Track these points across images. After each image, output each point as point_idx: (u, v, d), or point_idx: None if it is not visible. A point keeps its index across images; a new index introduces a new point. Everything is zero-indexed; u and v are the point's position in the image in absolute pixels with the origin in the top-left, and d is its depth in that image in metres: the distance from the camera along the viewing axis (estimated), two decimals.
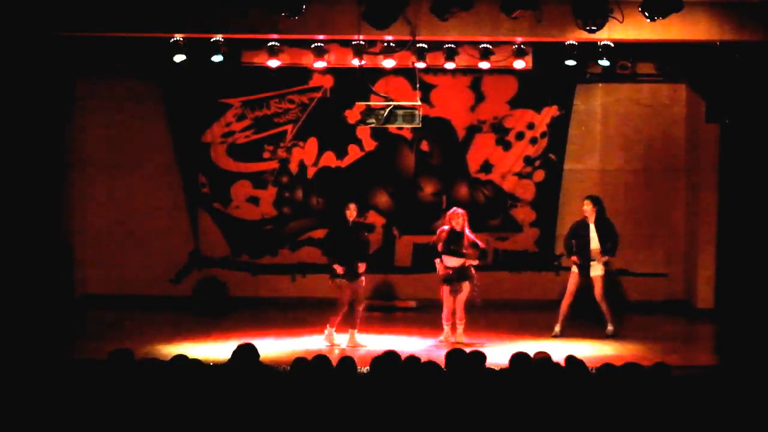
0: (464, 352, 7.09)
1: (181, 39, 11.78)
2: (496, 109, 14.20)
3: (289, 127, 14.20)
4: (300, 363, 6.74)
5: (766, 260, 12.69)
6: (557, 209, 14.19)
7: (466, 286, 11.30)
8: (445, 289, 11.32)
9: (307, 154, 14.23)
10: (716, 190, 13.68)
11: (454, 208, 11.57)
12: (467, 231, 11.31)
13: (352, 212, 11.22)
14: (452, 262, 11.30)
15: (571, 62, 11.95)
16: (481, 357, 7.06)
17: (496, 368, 7.36)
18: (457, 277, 11.28)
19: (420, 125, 11.91)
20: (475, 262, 11.37)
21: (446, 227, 11.38)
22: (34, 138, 12.42)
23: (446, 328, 11.34)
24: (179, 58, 11.93)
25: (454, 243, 11.27)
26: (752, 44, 11.70)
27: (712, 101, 13.60)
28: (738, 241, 13.21)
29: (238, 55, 12.75)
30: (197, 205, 14.26)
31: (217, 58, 11.96)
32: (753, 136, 12.95)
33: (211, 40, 11.84)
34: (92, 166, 14.14)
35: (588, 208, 11.75)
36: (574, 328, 11.81)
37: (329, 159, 14.23)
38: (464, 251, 11.26)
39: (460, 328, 11.34)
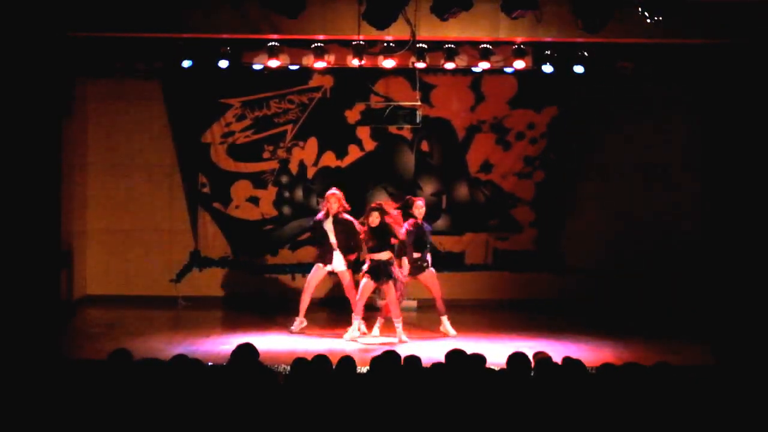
0: (464, 352, 7.09)
1: (182, 41, 11.83)
2: (496, 109, 14.20)
3: (289, 127, 14.20)
4: (300, 363, 6.74)
5: (765, 259, 12.71)
6: (563, 208, 14.19)
7: (389, 284, 11.10)
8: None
9: (307, 154, 14.23)
10: (715, 190, 13.69)
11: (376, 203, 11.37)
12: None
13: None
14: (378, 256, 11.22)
15: (578, 67, 12.13)
16: (481, 357, 7.07)
17: (495, 368, 7.36)
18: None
19: (420, 125, 11.93)
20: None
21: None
22: (33, 138, 12.40)
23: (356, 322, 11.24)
24: (187, 63, 12.43)
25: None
26: (749, 45, 11.75)
27: (711, 101, 13.64)
28: (737, 240, 13.21)
29: (238, 55, 12.77)
30: (197, 205, 14.26)
31: (224, 64, 12.40)
32: (753, 135, 12.96)
33: (220, 49, 12.07)
34: (92, 165, 14.14)
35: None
36: (574, 329, 11.83)
37: (329, 159, 14.23)
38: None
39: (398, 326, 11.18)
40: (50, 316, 12.26)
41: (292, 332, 11.55)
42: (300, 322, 11.65)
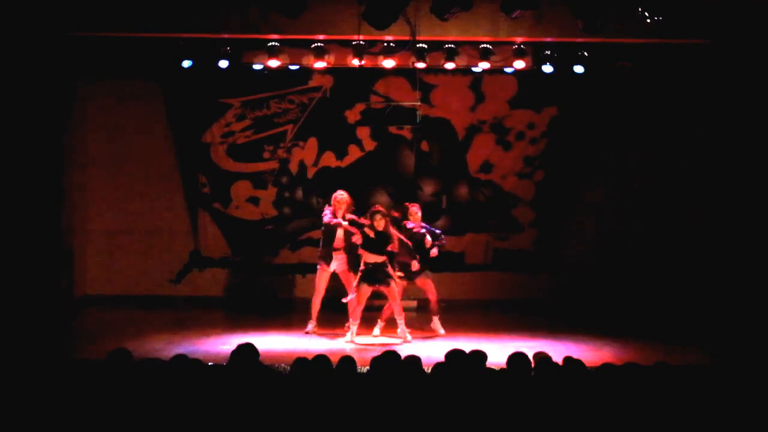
0: (464, 352, 7.09)
1: (182, 41, 11.85)
2: (496, 109, 14.20)
3: (289, 127, 14.20)
4: (300, 363, 6.74)
5: (764, 258, 12.71)
6: (563, 208, 14.19)
7: (390, 286, 11.18)
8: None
9: (307, 154, 14.23)
10: (715, 190, 13.69)
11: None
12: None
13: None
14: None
15: (578, 67, 12.13)
16: (481, 357, 7.07)
17: (495, 368, 7.36)
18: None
19: (420, 125, 11.93)
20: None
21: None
22: (34, 138, 12.44)
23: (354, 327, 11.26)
24: (187, 63, 12.45)
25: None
26: (749, 45, 11.76)
27: (711, 101, 13.64)
28: (737, 240, 13.22)
29: (238, 55, 12.78)
30: (197, 205, 14.27)
31: (224, 64, 12.40)
32: (753, 135, 12.97)
33: (220, 49, 12.13)
34: (93, 166, 14.15)
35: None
36: (574, 329, 11.84)
37: (329, 159, 14.23)
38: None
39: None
40: (50, 316, 12.28)
41: (308, 333, 11.53)
42: (314, 325, 11.65)
